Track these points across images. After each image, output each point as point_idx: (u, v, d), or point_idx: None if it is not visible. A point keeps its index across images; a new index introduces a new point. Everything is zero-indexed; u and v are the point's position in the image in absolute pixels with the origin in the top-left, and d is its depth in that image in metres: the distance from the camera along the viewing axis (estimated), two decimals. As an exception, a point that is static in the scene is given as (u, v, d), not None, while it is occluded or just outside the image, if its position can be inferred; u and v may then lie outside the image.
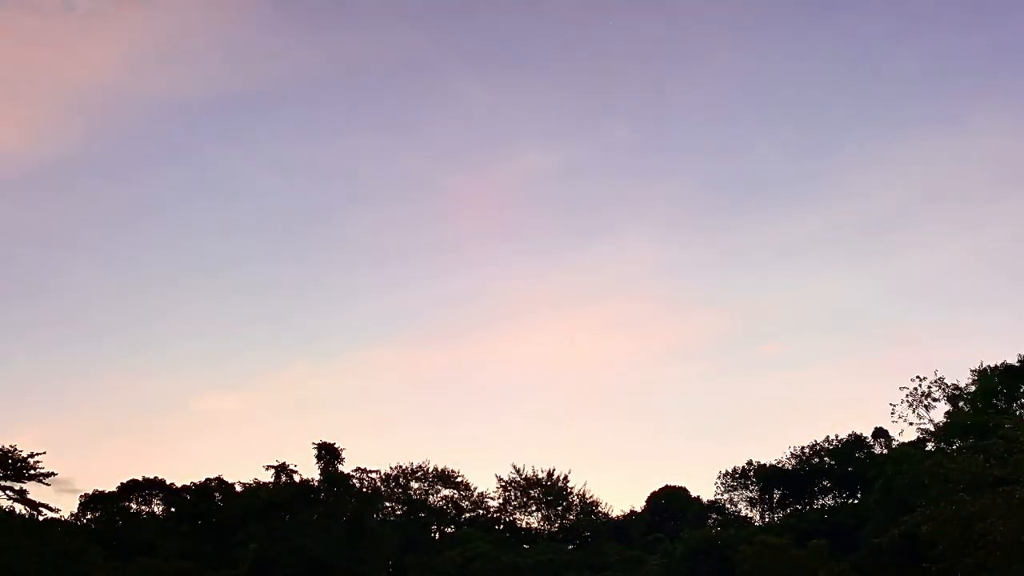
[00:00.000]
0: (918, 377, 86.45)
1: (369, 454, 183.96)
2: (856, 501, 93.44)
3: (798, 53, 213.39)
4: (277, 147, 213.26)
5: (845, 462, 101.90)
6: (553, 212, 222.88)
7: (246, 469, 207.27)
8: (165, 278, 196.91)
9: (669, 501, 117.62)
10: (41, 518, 56.48)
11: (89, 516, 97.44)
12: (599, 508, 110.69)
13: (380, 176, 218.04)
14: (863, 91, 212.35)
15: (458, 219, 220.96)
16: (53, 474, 55.58)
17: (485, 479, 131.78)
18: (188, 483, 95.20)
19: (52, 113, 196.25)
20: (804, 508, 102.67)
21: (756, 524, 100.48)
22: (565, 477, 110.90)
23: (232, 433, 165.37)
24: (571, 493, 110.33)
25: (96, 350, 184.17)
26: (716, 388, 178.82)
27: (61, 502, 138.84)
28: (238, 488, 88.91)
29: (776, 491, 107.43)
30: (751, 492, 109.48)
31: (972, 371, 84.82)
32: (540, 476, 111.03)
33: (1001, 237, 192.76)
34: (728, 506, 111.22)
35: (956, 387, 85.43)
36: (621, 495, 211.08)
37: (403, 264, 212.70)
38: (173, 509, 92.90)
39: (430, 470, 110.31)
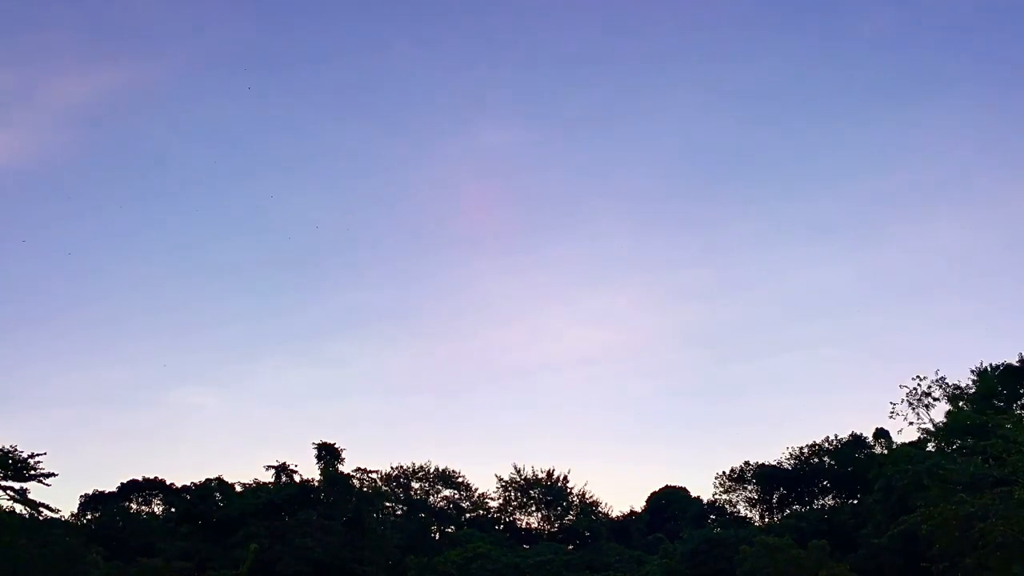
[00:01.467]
0: (918, 376, 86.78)
1: (339, 446, 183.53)
2: (856, 501, 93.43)
3: (778, 24, 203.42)
4: (239, 137, 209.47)
5: (845, 462, 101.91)
6: (522, 198, 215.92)
7: (224, 464, 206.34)
8: (138, 272, 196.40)
9: (669, 501, 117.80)
10: (41, 518, 56.36)
11: (89, 516, 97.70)
12: (599, 508, 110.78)
13: (345, 165, 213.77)
14: (850, 67, 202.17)
15: (425, 206, 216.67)
16: (53, 474, 55.51)
17: (471, 472, 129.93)
18: (188, 483, 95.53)
19: (50, 124, 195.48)
20: (804, 508, 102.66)
21: (756, 524, 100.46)
22: (565, 477, 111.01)
23: (209, 428, 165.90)
24: (571, 493, 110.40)
25: (70, 344, 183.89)
26: (716, 386, 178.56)
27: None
28: (238, 488, 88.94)
29: (776, 491, 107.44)
30: (750, 492, 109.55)
31: (972, 370, 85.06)
32: (540, 476, 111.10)
33: (1002, 233, 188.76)
34: (728, 506, 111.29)
35: (956, 387, 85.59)
36: (621, 495, 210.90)
37: (371, 256, 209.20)
38: (173, 509, 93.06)
39: (431, 470, 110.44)
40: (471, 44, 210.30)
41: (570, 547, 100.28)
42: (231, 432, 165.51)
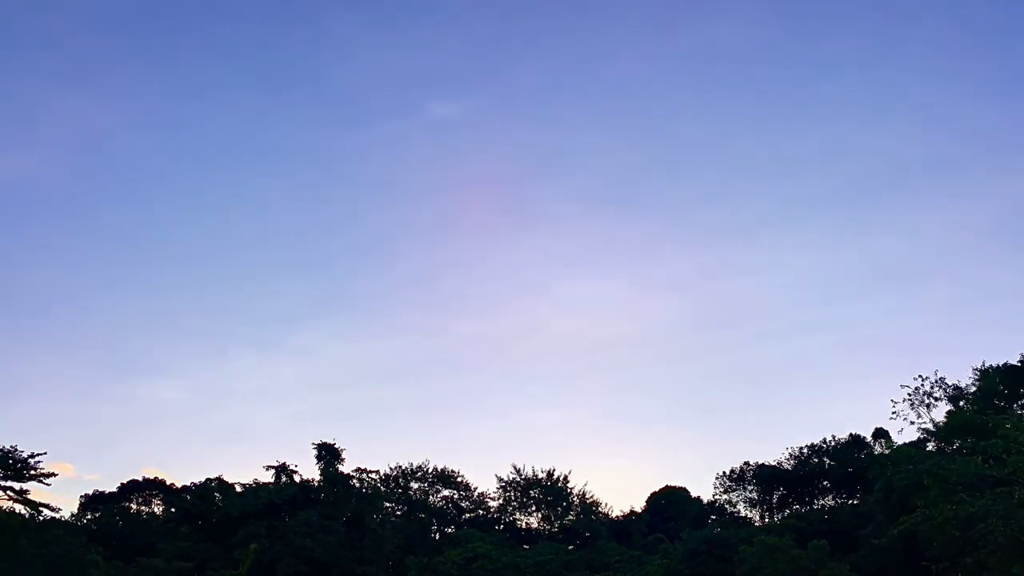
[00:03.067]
0: (920, 376, 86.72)
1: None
2: (856, 501, 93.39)
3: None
4: (191, 125, 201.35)
5: (845, 462, 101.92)
6: (480, 178, 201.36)
7: (196, 463, 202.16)
8: (98, 263, 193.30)
9: (669, 501, 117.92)
10: (41, 518, 56.44)
11: (89, 516, 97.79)
12: (599, 508, 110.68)
13: (293, 146, 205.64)
14: (840, 26, 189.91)
15: (381, 189, 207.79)
16: (54, 474, 55.59)
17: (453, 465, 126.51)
18: (188, 483, 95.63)
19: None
20: (804, 508, 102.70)
21: (756, 524, 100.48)
22: (565, 477, 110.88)
23: (176, 424, 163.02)
24: (571, 493, 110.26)
25: (30, 337, 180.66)
26: (716, 386, 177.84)
27: None
28: (238, 488, 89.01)
29: (776, 491, 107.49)
30: (750, 492, 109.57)
31: (975, 369, 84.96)
32: (540, 476, 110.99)
33: (1002, 227, 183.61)
34: (728, 507, 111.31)
35: (957, 387, 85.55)
36: (621, 495, 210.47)
37: (327, 244, 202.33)
38: (173, 509, 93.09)
39: (429, 470, 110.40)
40: (410, 14, 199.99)
41: (570, 547, 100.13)
42: (202, 427, 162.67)
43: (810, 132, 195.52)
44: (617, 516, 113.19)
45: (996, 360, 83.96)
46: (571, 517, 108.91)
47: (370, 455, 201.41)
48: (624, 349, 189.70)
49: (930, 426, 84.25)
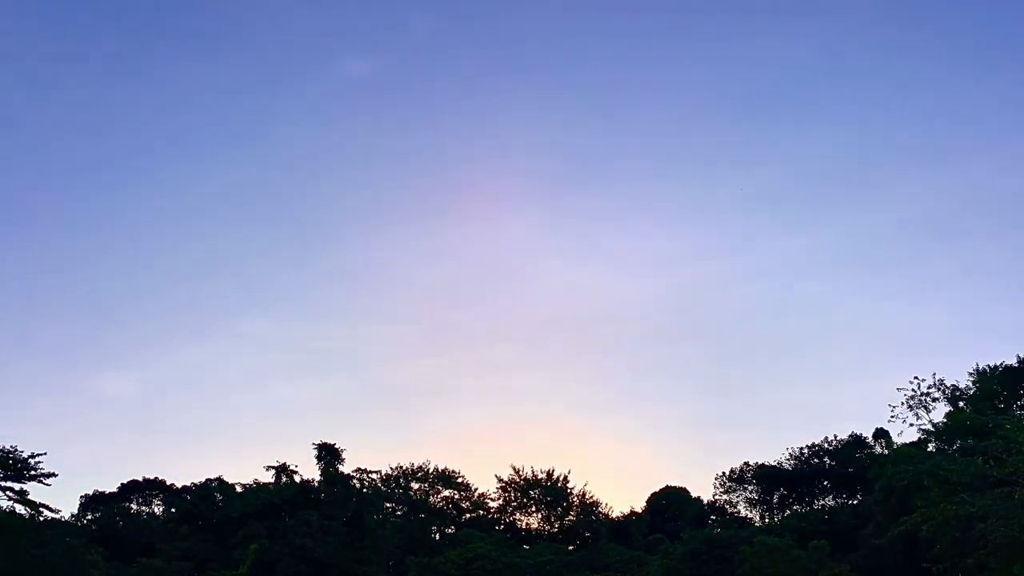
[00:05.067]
0: (916, 378, 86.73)
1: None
2: (856, 502, 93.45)
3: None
4: (101, 102, 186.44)
5: (845, 462, 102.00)
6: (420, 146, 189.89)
7: (158, 460, 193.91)
8: (44, 252, 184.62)
9: (669, 501, 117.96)
10: (41, 518, 56.44)
11: (89, 516, 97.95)
12: (599, 509, 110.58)
13: (229, 122, 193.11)
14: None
15: (312, 162, 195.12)
16: (54, 475, 55.58)
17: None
18: (188, 483, 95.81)
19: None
20: (804, 509, 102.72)
21: (756, 525, 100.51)
22: (565, 478, 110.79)
23: (132, 419, 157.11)
24: (571, 494, 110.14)
25: None
26: (716, 386, 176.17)
27: None
28: (238, 488, 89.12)
29: (776, 492, 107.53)
30: (750, 493, 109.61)
31: (970, 373, 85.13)
32: (540, 476, 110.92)
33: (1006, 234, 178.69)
34: (728, 507, 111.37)
35: (956, 388, 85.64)
36: (621, 495, 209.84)
37: (266, 227, 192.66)
38: (173, 509, 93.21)
39: (430, 470, 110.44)
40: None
41: (570, 548, 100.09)
42: (134, 419, 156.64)
43: (776, 109, 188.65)
44: (617, 516, 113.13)
45: (997, 359, 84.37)
46: (571, 517, 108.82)
47: (358, 451, 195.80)
48: (625, 352, 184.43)
49: (929, 427, 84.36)
